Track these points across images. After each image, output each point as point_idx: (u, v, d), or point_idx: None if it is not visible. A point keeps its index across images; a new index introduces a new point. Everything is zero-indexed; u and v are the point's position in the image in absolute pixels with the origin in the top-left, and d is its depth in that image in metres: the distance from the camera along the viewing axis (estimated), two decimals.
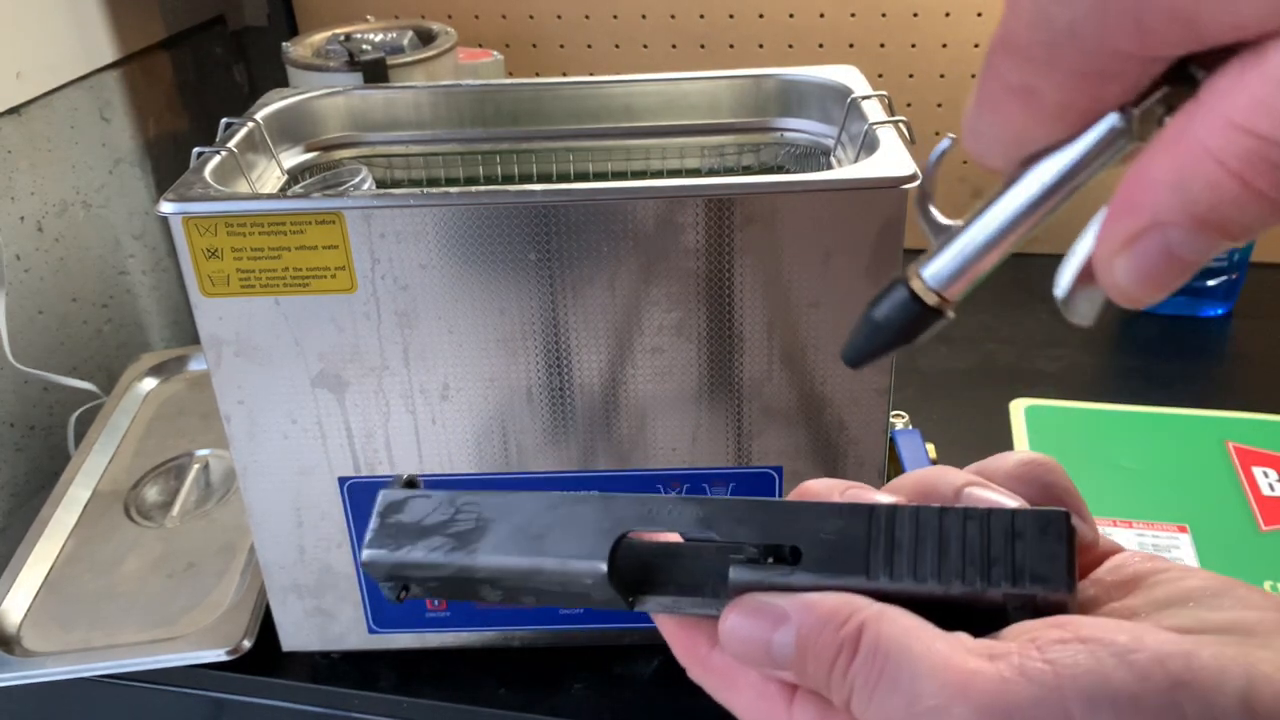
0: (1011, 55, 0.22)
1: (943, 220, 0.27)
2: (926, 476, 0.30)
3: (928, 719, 0.23)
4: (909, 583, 0.26)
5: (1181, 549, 0.67)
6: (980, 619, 0.26)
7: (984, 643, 0.24)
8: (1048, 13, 0.21)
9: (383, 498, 0.32)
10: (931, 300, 0.27)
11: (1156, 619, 0.25)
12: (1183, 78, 0.21)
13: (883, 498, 0.29)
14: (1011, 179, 0.25)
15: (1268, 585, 0.64)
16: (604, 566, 0.28)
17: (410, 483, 0.32)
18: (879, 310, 0.28)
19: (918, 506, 0.28)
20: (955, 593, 0.26)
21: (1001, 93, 0.23)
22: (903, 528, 0.27)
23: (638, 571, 0.30)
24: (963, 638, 0.25)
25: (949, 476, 0.29)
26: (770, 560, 0.28)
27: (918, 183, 0.29)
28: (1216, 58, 0.20)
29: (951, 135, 0.28)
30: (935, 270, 0.27)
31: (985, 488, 0.28)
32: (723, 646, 0.28)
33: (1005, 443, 0.77)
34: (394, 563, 0.31)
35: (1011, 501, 0.28)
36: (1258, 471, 0.73)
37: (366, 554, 0.31)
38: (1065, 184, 0.24)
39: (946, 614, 0.26)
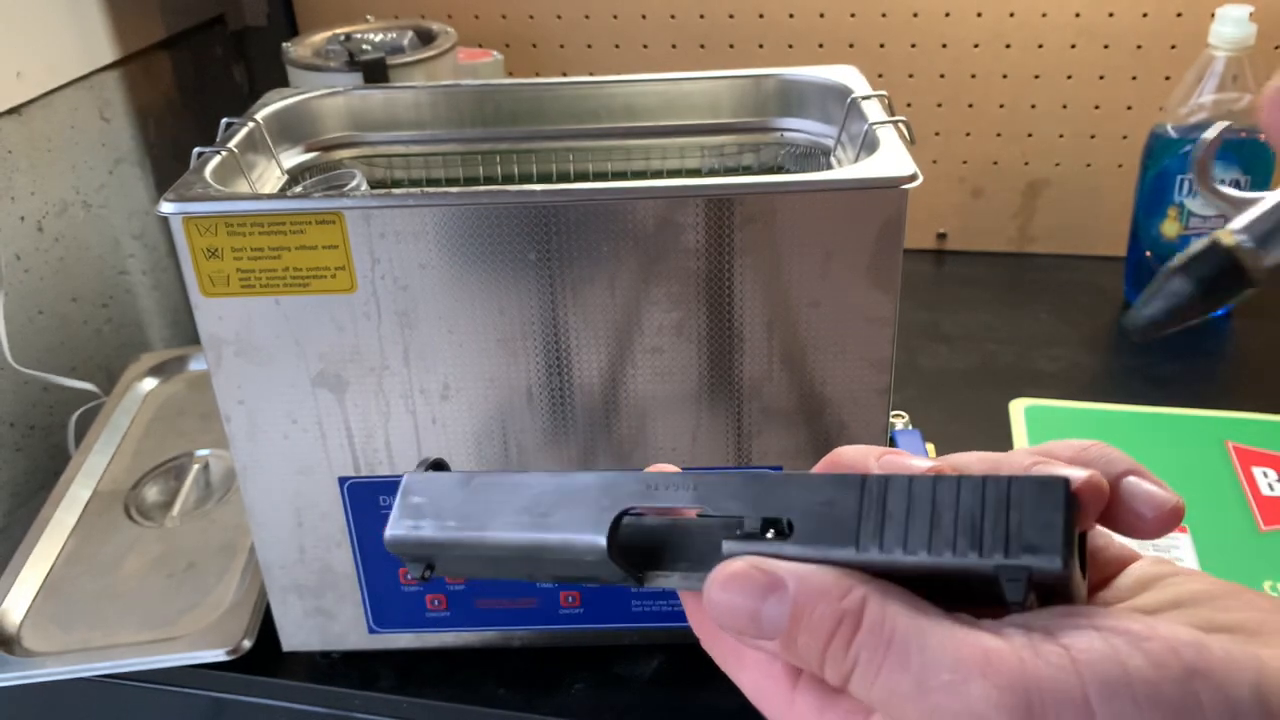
0: None
1: (1239, 194, 0.26)
2: (990, 459, 0.29)
3: (941, 695, 0.23)
4: (898, 554, 0.25)
5: (1181, 549, 0.67)
6: (979, 600, 0.25)
7: (990, 623, 0.24)
8: None
9: (405, 480, 0.32)
10: (1250, 262, 0.26)
11: (1166, 617, 0.25)
12: None
13: (919, 463, 0.28)
14: None
15: (1267, 585, 0.64)
16: (603, 542, 0.29)
17: (437, 465, 0.33)
18: (1190, 272, 0.26)
19: (912, 476, 0.27)
20: (946, 564, 0.25)
21: None
22: (896, 498, 0.26)
23: (646, 547, 0.30)
24: (965, 618, 0.24)
25: (1016, 459, 0.28)
26: (770, 534, 0.27)
27: (1200, 165, 0.28)
28: None
29: (1224, 124, 0.28)
30: (1254, 229, 0.26)
31: (1050, 465, 0.27)
32: (708, 611, 0.27)
33: (1005, 443, 0.77)
34: (414, 543, 0.31)
35: (1074, 471, 0.26)
36: (1257, 471, 0.73)
37: (389, 534, 0.32)
38: None
39: (943, 594, 0.25)
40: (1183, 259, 0.27)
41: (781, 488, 0.28)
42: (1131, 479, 0.27)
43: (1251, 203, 0.26)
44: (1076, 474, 0.26)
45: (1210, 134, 0.29)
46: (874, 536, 0.26)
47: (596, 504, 0.30)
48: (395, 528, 0.32)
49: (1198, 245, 0.27)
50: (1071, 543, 0.25)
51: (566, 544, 0.29)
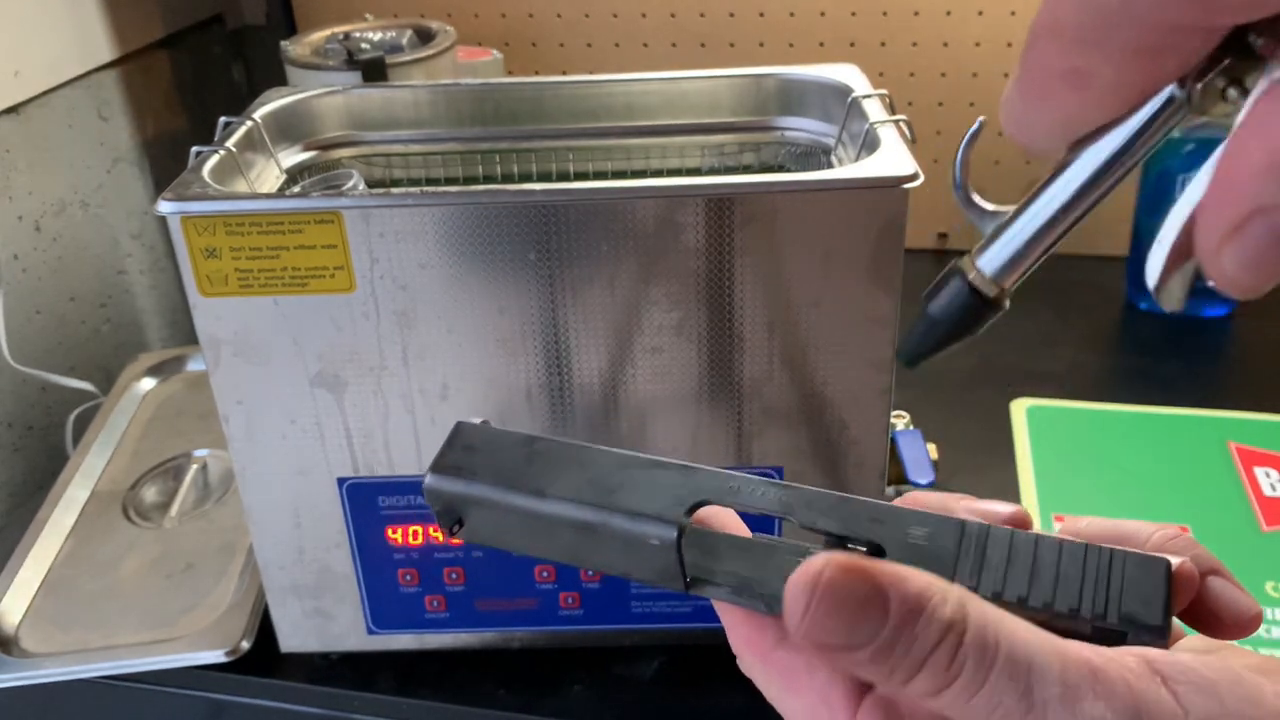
0: (1058, 40, 0.21)
1: (989, 206, 0.27)
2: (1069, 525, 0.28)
3: (1052, 710, 0.22)
4: (992, 600, 0.25)
5: None
6: None
7: (1089, 645, 0.23)
8: None
9: (459, 426, 0.30)
10: (991, 292, 0.26)
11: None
12: (1241, 48, 0.20)
13: (999, 507, 0.27)
14: (1064, 163, 0.24)
15: (1269, 586, 0.64)
16: (674, 531, 0.27)
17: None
18: (936, 304, 0.27)
19: (1013, 530, 0.26)
20: (1039, 618, 0.24)
21: (1048, 79, 0.22)
22: (996, 548, 0.26)
23: (704, 556, 0.29)
24: (1057, 636, 0.23)
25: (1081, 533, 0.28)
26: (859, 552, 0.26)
27: (956, 168, 0.28)
28: (1275, 24, 0.20)
29: (982, 118, 0.28)
30: (991, 260, 0.26)
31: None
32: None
33: (1007, 443, 0.77)
34: (456, 493, 0.29)
35: (1171, 557, 0.26)
36: (1259, 472, 0.73)
37: (430, 479, 0.29)
38: (1121, 163, 0.23)
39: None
40: (931, 289, 0.28)
41: (876, 513, 0.27)
42: (1218, 580, 0.27)
43: (996, 220, 0.26)
44: (1173, 559, 0.26)
45: (971, 130, 0.28)
46: (970, 578, 0.25)
47: (673, 491, 0.28)
48: (439, 474, 0.29)
49: (942, 275, 0.28)
50: (1170, 619, 0.25)
51: (632, 525, 0.27)
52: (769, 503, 0.28)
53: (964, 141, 0.28)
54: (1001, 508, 0.28)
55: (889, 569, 0.23)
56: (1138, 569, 0.25)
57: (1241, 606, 0.26)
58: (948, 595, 0.23)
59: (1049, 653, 0.22)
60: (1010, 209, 0.26)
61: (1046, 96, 0.22)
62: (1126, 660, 0.22)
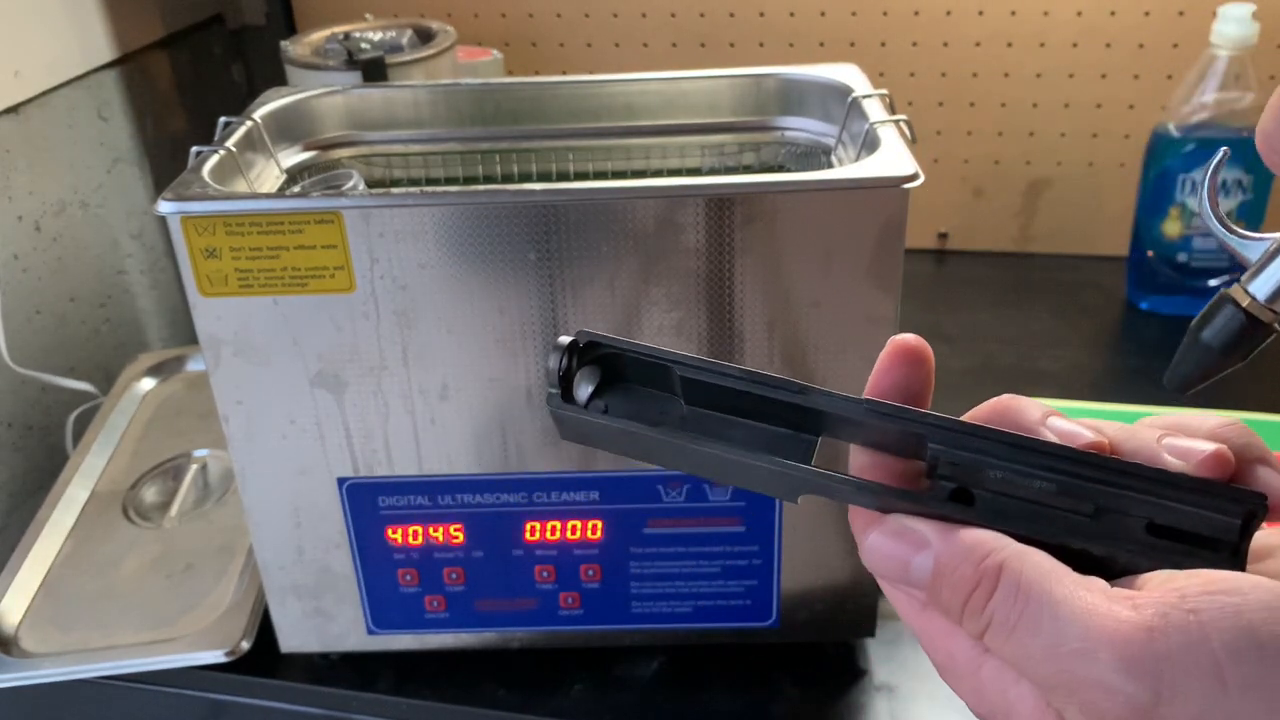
0: None
1: (1254, 235, 0.28)
2: (1125, 432, 0.29)
3: (1072, 661, 0.24)
4: (1073, 539, 0.26)
5: None
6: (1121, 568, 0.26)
7: (1124, 591, 0.24)
8: None
9: (553, 410, 0.32)
10: (1267, 317, 0.28)
11: None
12: None
13: (1085, 433, 0.28)
14: None
15: None
16: (798, 501, 0.30)
17: (592, 344, 0.32)
18: (1210, 331, 0.29)
19: (1115, 472, 0.27)
20: (1120, 559, 0.26)
21: None
22: (1090, 499, 0.27)
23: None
24: (1101, 584, 0.25)
25: (1146, 433, 0.28)
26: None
27: (1206, 200, 0.30)
28: None
29: (1225, 148, 0.29)
30: (1264, 286, 0.28)
31: (1183, 438, 0.28)
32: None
33: None
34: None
35: (1208, 445, 0.27)
36: None
37: (562, 433, 0.33)
38: None
39: (1085, 557, 0.26)
40: (1202, 319, 0.29)
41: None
42: (1266, 469, 0.28)
43: (1260, 245, 0.28)
44: (1204, 446, 0.27)
45: (1213, 161, 0.30)
46: (1057, 526, 0.27)
47: (780, 486, 0.30)
48: (568, 434, 0.32)
49: (1213, 304, 0.29)
50: (1245, 557, 0.26)
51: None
52: (864, 500, 0.29)
53: (1209, 173, 0.29)
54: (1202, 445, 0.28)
55: (939, 529, 0.27)
56: (1226, 504, 0.26)
57: None
58: (986, 553, 0.26)
59: (1075, 609, 0.24)
60: (1275, 235, 0.28)
61: None
62: (1158, 607, 0.23)
